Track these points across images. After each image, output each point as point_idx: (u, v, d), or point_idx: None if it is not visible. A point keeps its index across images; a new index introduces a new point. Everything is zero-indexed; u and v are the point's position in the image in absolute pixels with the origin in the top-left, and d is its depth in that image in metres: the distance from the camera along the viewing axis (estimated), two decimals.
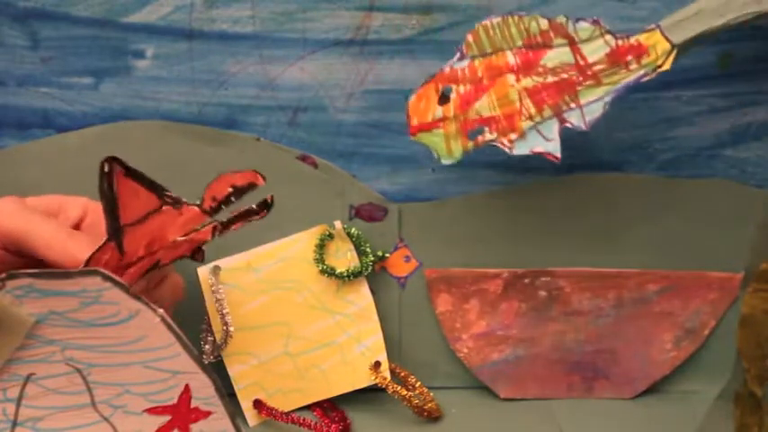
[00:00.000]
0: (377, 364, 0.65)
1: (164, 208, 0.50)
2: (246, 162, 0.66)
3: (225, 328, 0.63)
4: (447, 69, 0.59)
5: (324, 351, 0.66)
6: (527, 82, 0.58)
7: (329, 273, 0.65)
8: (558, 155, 0.58)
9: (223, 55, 0.65)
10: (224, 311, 0.63)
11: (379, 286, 0.67)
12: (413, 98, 0.60)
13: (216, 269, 0.64)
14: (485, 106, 0.59)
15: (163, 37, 0.64)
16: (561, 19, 0.58)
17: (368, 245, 0.66)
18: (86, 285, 0.47)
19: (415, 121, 0.60)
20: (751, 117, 0.66)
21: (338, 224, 0.65)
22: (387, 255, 0.66)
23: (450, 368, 0.68)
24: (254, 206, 0.52)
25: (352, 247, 0.66)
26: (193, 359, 0.48)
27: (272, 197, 0.52)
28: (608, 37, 0.58)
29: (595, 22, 0.58)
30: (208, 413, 0.49)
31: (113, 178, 0.48)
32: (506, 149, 0.59)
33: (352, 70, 0.65)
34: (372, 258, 0.65)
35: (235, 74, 0.65)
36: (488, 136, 0.59)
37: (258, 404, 0.65)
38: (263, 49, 0.65)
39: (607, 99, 0.58)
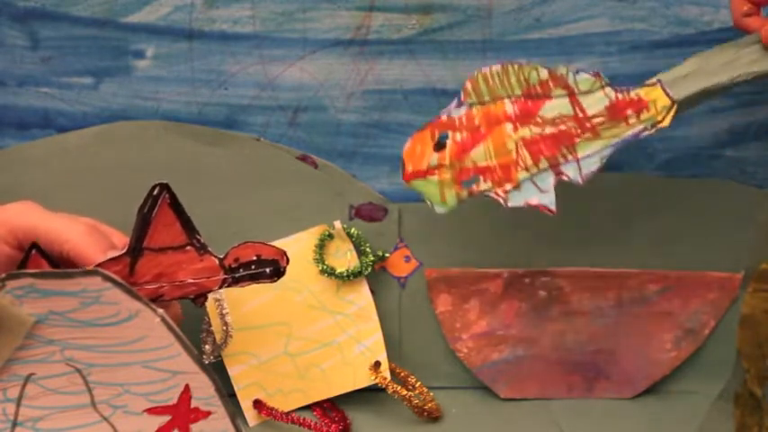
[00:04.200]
0: (377, 364, 0.65)
1: (187, 248, 0.51)
2: (246, 162, 0.66)
3: (225, 328, 0.63)
4: (444, 117, 0.58)
5: (324, 351, 0.66)
6: (524, 132, 0.58)
7: (329, 273, 0.65)
8: (553, 208, 0.57)
9: (223, 55, 0.65)
10: (224, 311, 0.63)
11: (379, 286, 0.67)
12: (408, 144, 0.59)
13: None
14: (481, 155, 0.58)
15: (163, 37, 0.64)
16: (562, 70, 0.57)
17: (368, 245, 0.66)
18: (87, 285, 0.47)
19: (409, 168, 0.59)
20: (751, 117, 0.66)
21: (338, 224, 0.65)
22: (387, 255, 0.66)
23: (451, 368, 0.68)
24: (267, 271, 0.53)
25: (351, 247, 0.66)
26: (193, 359, 0.48)
27: (285, 267, 0.53)
28: (608, 89, 0.57)
29: (596, 75, 0.57)
30: (208, 413, 0.49)
31: (157, 202, 0.50)
32: (501, 201, 0.58)
33: (352, 70, 0.65)
34: (372, 258, 0.65)
35: (235, 74, 0.65)
36: (483, 186, 0.58)
37: (258, 404, 0.65)
38: (263, 49, 0.65)
39: (605, 153, 0.57)
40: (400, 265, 0.67)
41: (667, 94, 0.56)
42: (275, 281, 0.53)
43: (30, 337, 0.48)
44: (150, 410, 0.49)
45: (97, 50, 0.65)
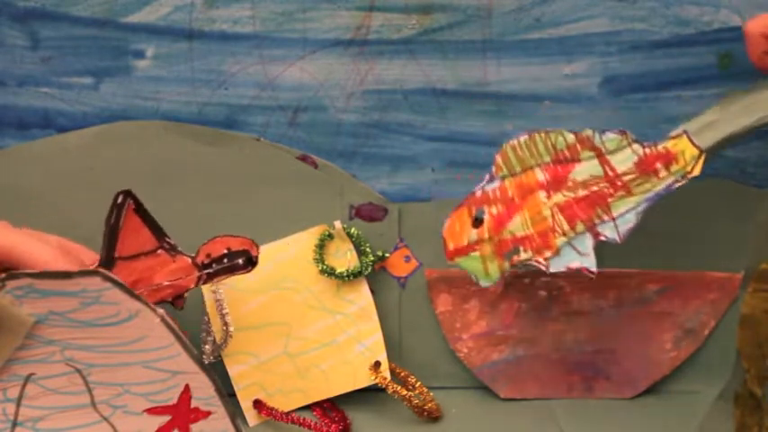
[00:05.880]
0: (377, 364, 0.65)
1: (159, 252, 0.52)
2: (246, 162, 0.66)
3: (225, 328, 0.63)
4: (478, 192, 0.60)
5: (324, 351, 0.66)
6: (558, 198, 0.58)
7: (329, 273, 0.65)
8: (594, 269, 0.58)
9: (223, 55, 0.65)
10: (224, 311, 0.63)
11: (379, 286, 0.67)
12: (447, 222, 0.60)
13: None
14: (518, 226, 0.59)
15: (163, 37, 0.64)
16: (588, 132, 0.58)
17: (368, 245, 0.66)
18: (86, 285, 0.47)
19: (451, 246, 0.60)
20: None
21: (338, 224, 0.65)
22: (387, 255, 0.66)
23: (451, 368, 0.68)
24: (240, 261, 0.53)
25: (351, 247, 0.66)
26: (193, 359, 0.49)
27: (257, 255, 0.54)
28: (635, 146, 0.58)
29: (622, 132, 0.58)
30: (208, 413, 0.49)
31: (123, 211, 0.50)
32: (542, 267, 0.59)
33: (352, 70, 0.65)
34: (372, 258, 0.65)
35: (235, 74, 0.65)
36: (523, 255, 0.59)
37: (258, 404, 0.65)
38: (263, 49, 0.65)
39: (640, 209, 0.58)
40: (400, 265, 0.67)
41: (694, 144, 0.58)
42: (250, 270, 0.54)
43: (30, 337, 0.48)
44: (150, 410, 0.49)
45: (97, 50, 0.65)
